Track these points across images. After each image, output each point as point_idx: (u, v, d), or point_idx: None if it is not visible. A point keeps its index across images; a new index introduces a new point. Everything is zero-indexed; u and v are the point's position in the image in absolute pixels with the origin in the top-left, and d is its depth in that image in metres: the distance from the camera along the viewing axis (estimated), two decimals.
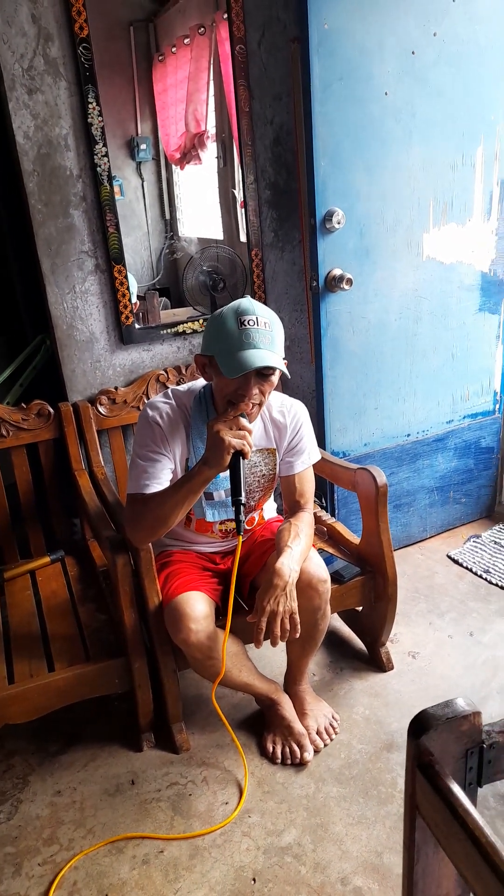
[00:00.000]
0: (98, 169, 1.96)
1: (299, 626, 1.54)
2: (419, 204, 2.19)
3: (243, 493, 1.42)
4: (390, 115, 2.04)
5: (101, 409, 2.14)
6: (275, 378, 1.49)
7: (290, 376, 1.48)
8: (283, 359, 1.48)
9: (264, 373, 1.45)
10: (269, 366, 1.41)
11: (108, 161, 1.97)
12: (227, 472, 1.46)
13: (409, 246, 2.22)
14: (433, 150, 2.15)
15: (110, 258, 2.06)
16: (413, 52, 2.01)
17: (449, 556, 2.55)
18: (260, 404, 1.51)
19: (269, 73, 2.14)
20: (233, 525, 1.73)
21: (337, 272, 2.08)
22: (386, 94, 2.02)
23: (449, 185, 2.22)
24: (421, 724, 0.64)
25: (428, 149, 2.14)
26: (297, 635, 1.54)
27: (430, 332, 2.37)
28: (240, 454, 1.42)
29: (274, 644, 1.53)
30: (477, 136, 2.21)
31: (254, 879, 1.41)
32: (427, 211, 2.21)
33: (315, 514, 1.87)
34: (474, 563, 2.48)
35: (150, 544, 1.57)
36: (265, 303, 2.27)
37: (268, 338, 1.43)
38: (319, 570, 1.63)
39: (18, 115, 1.85)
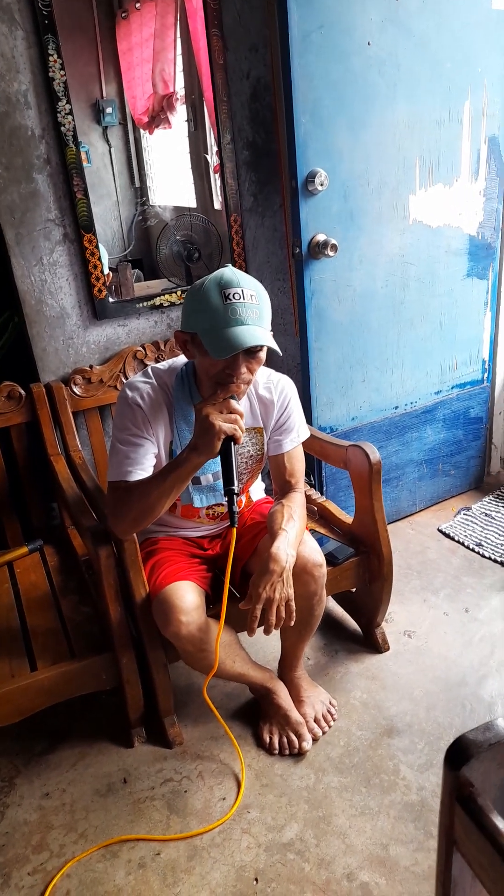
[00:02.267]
0: (62, 128, 1.81)
1: (295, 614, 1.46)
2: (405, 164, 2.07)
3: (236, 482, 1.32)
4: (374, 67, 1.92)
5: (76, 390, 2.02)
6: (263, 354, 1.39)
7: (281, 354, 1.37)
8: (270, 331, 1.38)
9: (253, 349, 1.35)
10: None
11: (73, 120, 1.82)
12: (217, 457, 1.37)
13: (394, 209, 2.11)
14: (419, 106, 2.03)
15: (79, 226, 1.92)
16: None
17: (440, 530, 2.49)
18: (248, 382, 1.41)
19: (243, 22, 1.99)
20: (221, 509, 1.64)
21: (321, 238, 1.96)
22: (369, 44, 1.89)
23: (435, 144, 2.11)
24: (460, 752, 0.56)
25: (413, 104, 2.02)
26: (293, 623, 1.47)
27: (418, 300, 2.28)
28: (231, 439, 1.32)
29: (267, 632, 1.45)
30: (464, 89, 2.09)
31: (256, 879, 1.36)
32: (413, 171, 2.10)
33: (305, 493, 1.79)
34: (466, 536, 2.43)
35: (134, 534, 1.48)
36: (247, 272, 2.15)
37: (255, 312, 1.32)
38: (315, 553, 1.56)
39: None
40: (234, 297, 1.30)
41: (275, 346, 1.34)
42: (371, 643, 1.95)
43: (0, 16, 1.67)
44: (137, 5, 2.26)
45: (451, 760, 0.56)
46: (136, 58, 2.36)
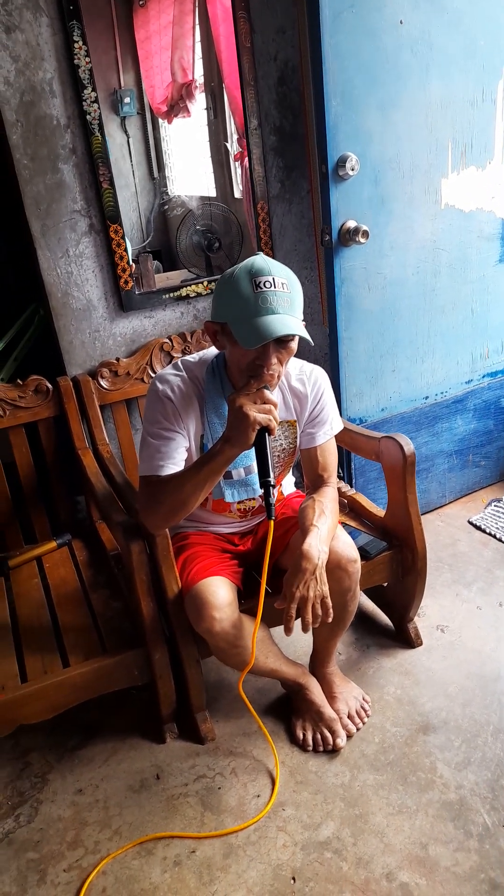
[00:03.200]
0: (87, 117, 1.78)
1: (332, 611, 1.43)
2: (437, 146, 2.02)
3: (272, 474, 1.29)
4: (406, 46, 1.86)
5: (103, 383, 2.00)
6: (294, 345, 1.35)
7: (313, 344, 1.34)
8: (302, 320, 1.34)
9: (283, 339, 1.31)
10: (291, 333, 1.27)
11: (99, 108, 1.79)
12: (249, 450, 1.34)
13: (426, 193, 2.05)
14: (452, 86, 1.97)
15: (105, 217, 1.89)
16: None
17: (470, 522, 2.44)
18: (279, 373, 1.37)
19: (270, 3, 1.94)
20: (252, 503, 1.61)
21: (351, 224, 1.91)
22: (401, 22, 1.83)
23: (468, 125, 2.05)
24: None
25: (446, 84, 1.96)
26: (330, 620, 1.44)
27: (449, 287, 2.22)
28: (265, 431, 1.29)
29: (305, 630, 1.43)
30: (498, 68, 2.03)
31: (293, 878, 1.34)
32: (445, 154, 2.04)
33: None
34: (497, 528, 2.38)
35: (166, 529, 1.45)
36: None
37: (287, 300, 1.28)
38: (348, 549, 1.52)
39: None
40: (264, 285, 1.27)
41: (306, 336, 1.30)
42: (403, 638, 1.91)
43: (25, 2, 1.64)
44: None
45: None
46: (155, 46, 2.31)
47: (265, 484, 1.30)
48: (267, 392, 1.30)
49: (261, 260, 1.31)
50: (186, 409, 1.44)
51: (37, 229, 1.85)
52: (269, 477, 1.29)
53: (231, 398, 1.30)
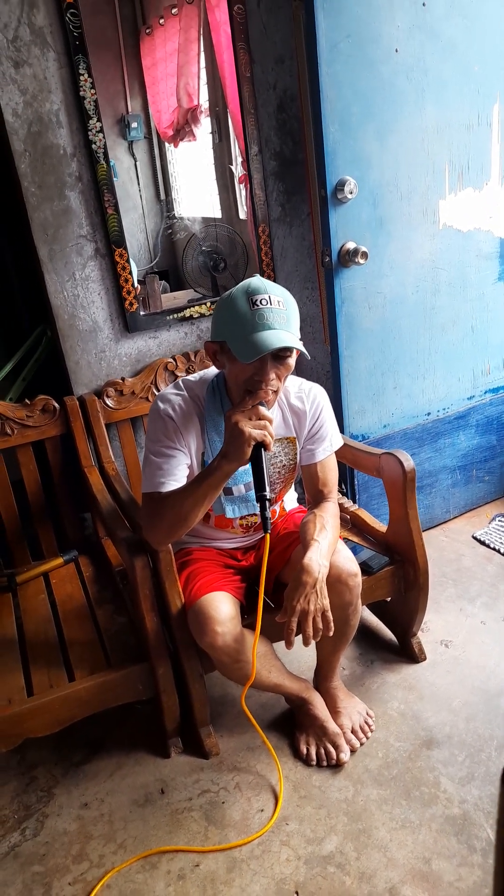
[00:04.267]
0: (93, 146, 1.84)
1: (332, 624, 1.45)
2: (434, 169, 2.06)
3: (268, 489, 1.32)
4: (402, 73, 1.91)
5: (109, 402, 2.04)
6: (292, 361, 1.39)
7: (309, 357, 1.37)
8: (299, 339, 1.37)
9: (281, 355, 1.35)
10: (286, 347, 1.30)
11: (104, 137, 1.85)
12: (248, 466, 1.37)
13: (424, 214, 2.10)
14: (447, 111, 2.02)
15: (110, 241, 1.95)
16: (423, 4, 1.88)
17: (474, 537, 2.45)
18: (277, 390, 1.41)
19: (269, 35, 2.00)
20: (254, 519, 1.64)
21: (351, 245, 1.96)
22: (396, 51, 1.88)
23: (465, 148, 2.10)
24: None
25: (442, 109, 2.01)
26: (331, 633, 1.46)
27: (449, 305, 2.26)
28: (261, 446, 1.32)
29: (306, 644, 1.45)
30: (493, 93, 2.08)
31: (296, 893, 1.34)
32: (442, 176, 2.08)
33: (337, 501, 1.77)
34: (501, 543, 2.39)
35: (169, 545, 1.48)
36: (275, 281, 2.16)
37: (282, 317, 1.32)
38: (349, 563, 1.54)
39: (6, 90, 1.72)
40: (261, 302, 1.31)
41: (303, 350, 1.33)
42: (407, 653, 1.92)
43: (33, 39, 1.71)
44: (161, 21, 2.29)
45: None
46: (161, 72, 2.39)
47: (261, 498, 1.32)
48: (262, 408, 1.33)
49: (257, 280, 1.35)
50: (187, 427, 1.48)
51: (44, 254, 1.90)
52: (264, 491, 1.32)
53: (227, 415, 1.34)
